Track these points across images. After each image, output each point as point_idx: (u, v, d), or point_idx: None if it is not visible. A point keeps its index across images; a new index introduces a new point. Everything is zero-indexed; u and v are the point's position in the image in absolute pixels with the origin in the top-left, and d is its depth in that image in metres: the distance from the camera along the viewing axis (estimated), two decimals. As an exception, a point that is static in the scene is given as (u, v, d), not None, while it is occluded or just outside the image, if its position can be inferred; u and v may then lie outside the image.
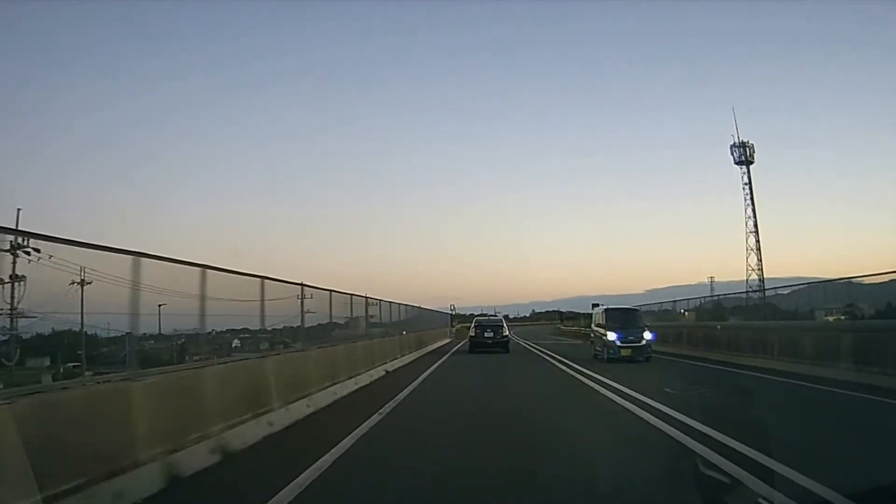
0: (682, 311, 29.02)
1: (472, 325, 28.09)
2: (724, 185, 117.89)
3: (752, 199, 63.17)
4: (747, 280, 61.82)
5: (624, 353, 20.04)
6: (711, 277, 72.23)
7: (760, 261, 62.65)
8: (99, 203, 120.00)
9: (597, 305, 25.64)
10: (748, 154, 63.28)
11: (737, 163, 63.39)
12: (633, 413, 9.70)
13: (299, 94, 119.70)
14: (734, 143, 63.55)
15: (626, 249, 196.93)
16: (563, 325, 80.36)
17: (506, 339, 26.46)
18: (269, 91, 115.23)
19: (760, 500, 4.96)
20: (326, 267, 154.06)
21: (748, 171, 63.33)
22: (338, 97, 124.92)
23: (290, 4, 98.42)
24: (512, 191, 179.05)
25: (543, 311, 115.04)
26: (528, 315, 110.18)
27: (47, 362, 6.73)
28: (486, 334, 26.33)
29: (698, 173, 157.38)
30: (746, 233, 62.92)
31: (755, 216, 63.20)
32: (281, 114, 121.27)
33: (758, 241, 62.95)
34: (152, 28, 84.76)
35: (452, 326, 51.32)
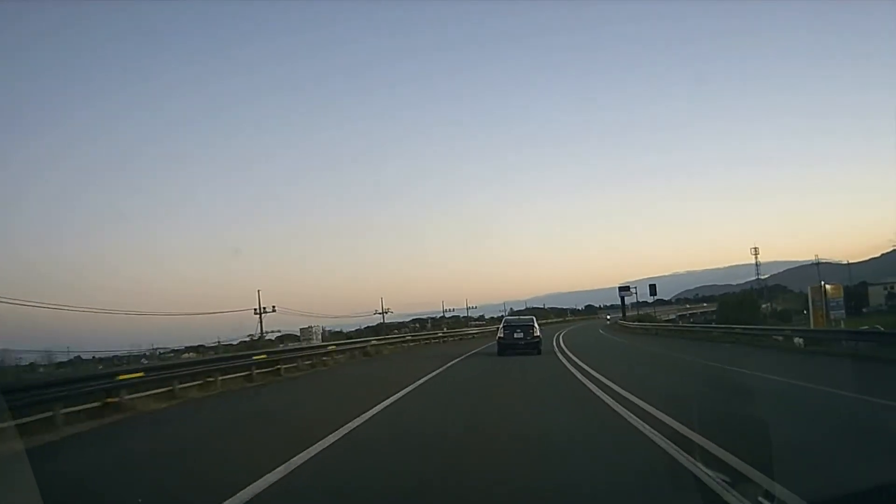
0: None
1: (501, 325, 27.05)
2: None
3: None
4: None
5: None
6: (755, 248, 64.83)
7: None
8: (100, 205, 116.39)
9: None
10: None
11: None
12: None
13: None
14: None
15: (597, 243, 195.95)
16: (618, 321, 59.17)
17: (537, 340, 25.01)
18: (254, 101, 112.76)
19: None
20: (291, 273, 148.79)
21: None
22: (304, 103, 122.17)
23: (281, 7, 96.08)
24: (477, 191, 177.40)
25: (522, 308, 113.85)
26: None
27: None
28: (515, 335, 24.88)
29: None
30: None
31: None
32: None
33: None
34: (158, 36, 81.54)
35: None
